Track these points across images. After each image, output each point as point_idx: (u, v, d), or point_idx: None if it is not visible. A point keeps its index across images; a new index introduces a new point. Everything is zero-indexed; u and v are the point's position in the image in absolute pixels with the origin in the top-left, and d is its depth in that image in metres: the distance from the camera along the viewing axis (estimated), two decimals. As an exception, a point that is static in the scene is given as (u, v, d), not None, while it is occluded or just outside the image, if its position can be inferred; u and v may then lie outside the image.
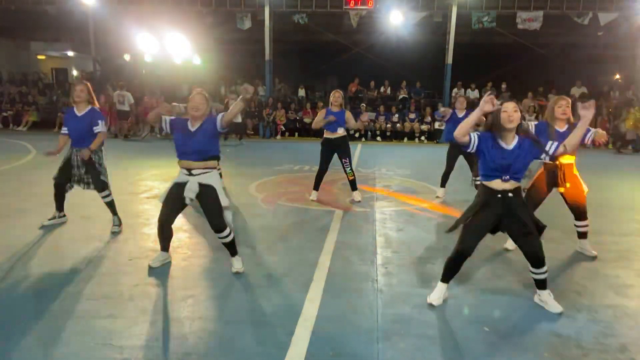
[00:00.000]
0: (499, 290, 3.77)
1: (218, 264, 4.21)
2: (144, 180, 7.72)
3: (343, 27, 17.39)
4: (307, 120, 16.31)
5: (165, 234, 4.00)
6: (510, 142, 3.29)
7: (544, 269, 3.39)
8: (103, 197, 5.05)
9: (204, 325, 3.11)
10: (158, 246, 4.47)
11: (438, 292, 3.50)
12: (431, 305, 3.45)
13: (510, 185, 3.30)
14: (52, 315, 3.16)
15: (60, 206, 5.18)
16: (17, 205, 5.95)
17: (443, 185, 7.04)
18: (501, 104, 3.28)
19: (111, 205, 5.10)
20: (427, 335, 3.03)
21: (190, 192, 3.76)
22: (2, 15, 18.01)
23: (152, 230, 5.07)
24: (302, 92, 18.04)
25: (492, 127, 3.33)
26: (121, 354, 2.72)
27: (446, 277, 3.50)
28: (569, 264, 4.37)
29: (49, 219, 5.16)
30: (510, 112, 3.23)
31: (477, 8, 16.07)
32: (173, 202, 3.87)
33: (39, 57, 22.99)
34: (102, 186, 5.01)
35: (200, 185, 3.77)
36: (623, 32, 15.94)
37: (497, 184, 3.31)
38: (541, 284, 3.46)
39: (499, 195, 3.30)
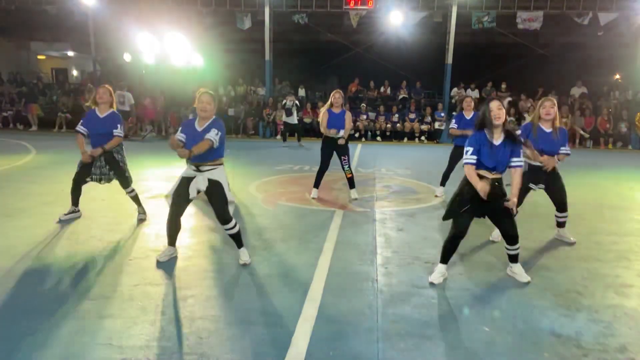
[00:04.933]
0: (499, 291, 3.77)
1: (218, 264, 4.21)
2: (144, 180, 7.72)
3: (343, 27, 17.39)
4: (307, 120, 16.31)
5: (174, 228, 4.18)
6: (498, 138, 3.69)
7: (517, 245, 3.87)
8: (129, 193, 5.44)
9: (204, 325, 3.11)
10: (158, 246, 4.54)
11: (438, 273, 3.89)
12: (432, 284, 3.81)
13: (495, 175, 3.72)
14: (52, 315, 3.16)
15: (76, 201, 5.41)
16: (17, 205, 5.95)
17: (443, 184, 7.04)
18: (489, 102, 3.67)
19: (136, 199, 5.50)
20: (427, 335, 3.03)
21: (200, 185, 3.97)
22: (2, 15, 18.01)
23: (152, 230, 5.08)
24: (302, 92, 18.04)
25: (482, 125, 3.71)
26: (121, 354, 2.73)
27: (445, 259, 3.89)
28: (569, 264, 4.37)
29: (66, 214, 5.36)
30: (495, 111, 3.59)
31: (477, 8, 16.07)
32: (183, 196, 4.04)
33: (39, 57, 23.00)
34: (127, 183, 5.39)
35: (209, 180, 3.97)
36: (623, 32, 15.94)
37: (486, 173, 3.72)
38: (514, 259, 3.95)
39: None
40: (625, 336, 3.07)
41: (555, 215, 4.97)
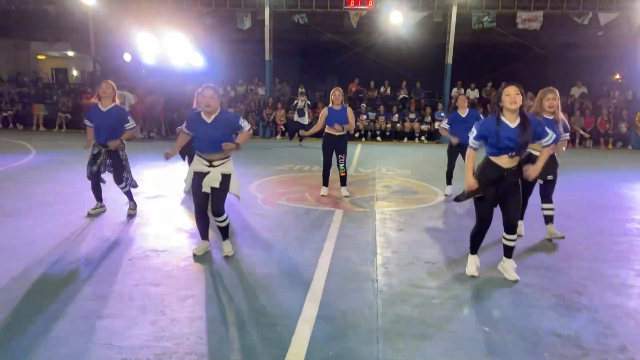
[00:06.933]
0: (499, 291, 3.76)
1: (218, 264, 4.21)
2: (144, 180, 7.70)
3: (343, 27, 17.36)
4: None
5: (203, 222, 4.29)
6: (514, 122, 3.59)
7: (515, 236, 3.85)
8: (121, 189, 5.58)
9: (204, 325, 3.10)
10: (158, 246, 4.56)
11: (473, 264, 3.98)
12: (472, 277, 3.92)
13: (515, 161, 3.64)
14: (52, 315, 3.16)
15: (99, 197, 5.62)
16: (17, 205, 5.95)
17: (449, 182, 7.08)
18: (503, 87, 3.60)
19: (128, 194, 5.65)
20: (427, 335, 3.03)
21: (214, 181, 4.07)
22: (2, 15, 18.00)
23: (152, 230, 5.08)
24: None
25: (496, 108, 3.66)
26: (121, 354, 2.72)
27: (474, 249, 3.99)
28: (569, 264, 4.37)
29: (93, 208, 5.59)
30: (513, 95, 3.52)
31: (477, 8, 16.06)
32: (202, 190, 4.13)
33: (39, 57, 22.96)
34: (121, 180, 5.52)
35: (222, 175, 4.12)
36: (623, 32, 15.93)
37: (504, 160, 3.63)
38: (509, 252, 3.92)
39: (505, 174, 3.65)
40: (625, 336, 3.06)
41: (542, 209, 5.01)
